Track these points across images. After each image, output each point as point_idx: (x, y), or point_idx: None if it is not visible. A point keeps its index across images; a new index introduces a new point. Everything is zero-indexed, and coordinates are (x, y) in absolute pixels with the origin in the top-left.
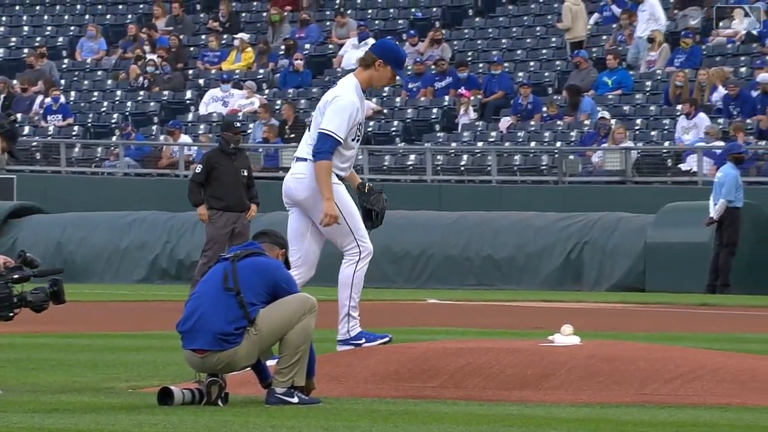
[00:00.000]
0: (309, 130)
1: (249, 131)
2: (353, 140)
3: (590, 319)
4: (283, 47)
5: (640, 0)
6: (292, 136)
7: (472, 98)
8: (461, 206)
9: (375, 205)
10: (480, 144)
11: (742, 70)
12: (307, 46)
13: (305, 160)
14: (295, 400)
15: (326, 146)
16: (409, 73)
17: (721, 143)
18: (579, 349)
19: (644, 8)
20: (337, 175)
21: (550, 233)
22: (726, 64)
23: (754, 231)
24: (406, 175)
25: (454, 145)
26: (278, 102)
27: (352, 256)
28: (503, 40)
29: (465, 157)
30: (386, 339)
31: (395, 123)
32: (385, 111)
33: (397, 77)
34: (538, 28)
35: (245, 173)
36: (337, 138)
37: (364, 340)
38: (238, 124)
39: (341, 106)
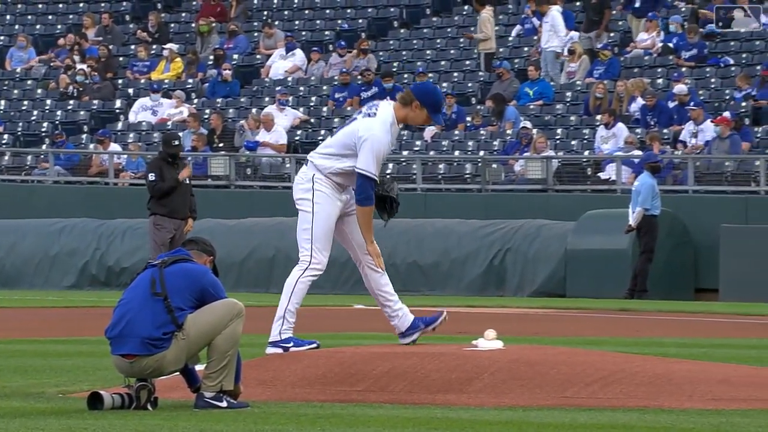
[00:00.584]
0: (331, 136)
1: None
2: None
3: (512, 324)
4: (211, 57)
5: (544, 11)
6: (221, 145)
7: None
8: None
9: (391, 191)
10: (405, 153)
11: (659, 81)
12: (236, 56)
13: (307, 162)
14: (224, 404)
15: (368, 191)
16: (336, 83)
17: (639, 152)
18: (502, 353)
19: (547, 20)
20: (337, 183)
21: (474, 240)
22: (643, 76)
23: (671, 238)
24: None
25: None
26: (207, 111)
27: (302, 263)
28: (427, 51)
29: (390, 165)
30: (314, 345)
31: (322, 132)
32: (312, 120)
33: (435, 122)
34: (461, 40)
35: (188, 182)
36: (375, 178)
37: (292, 344)
38: (177, 142)
39: (377, 149)
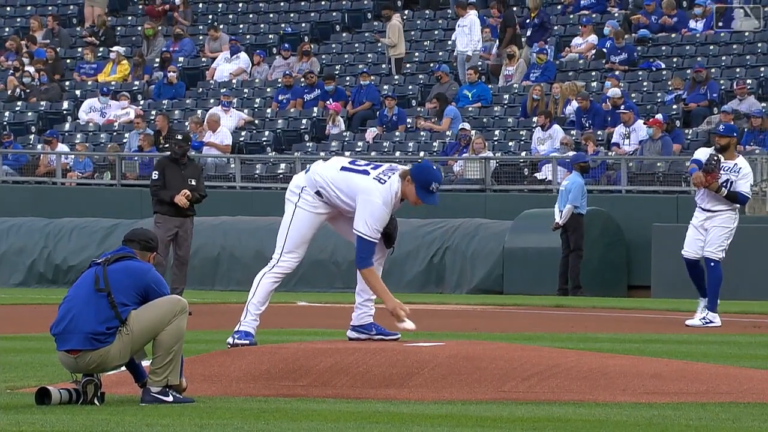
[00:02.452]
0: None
1: (125, 141)
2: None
3: (452, 321)
4: (157, 60)
5: (462, 14)
6: (166, 145)
7: (339, 111)
8: None
9: (394, 230)
10: (347, 153)
11: (593, 84)
12: (181, 59)
13: (308, 169)
14: (170, 398)
15: (367, 253)
16: (279, 85)
17: (573, 153)
18: (441, 348)
19: (464, 23)
20: (324, 202)
21: (414, 239)
22: (578, 79)
23: (604, 236)
24: (277, 183)
25: (322, 154)
26: (153, 113)
27: (270, 262)
28: (369, 55)
29: None
30: (248, 342)
31: (266, 133)
32: (256, 122)
33: (422, 203)
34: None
35: (192, 182)
36: (371, 240)
37: (237, 336)
38: (180, 137)
39: (377, 216)
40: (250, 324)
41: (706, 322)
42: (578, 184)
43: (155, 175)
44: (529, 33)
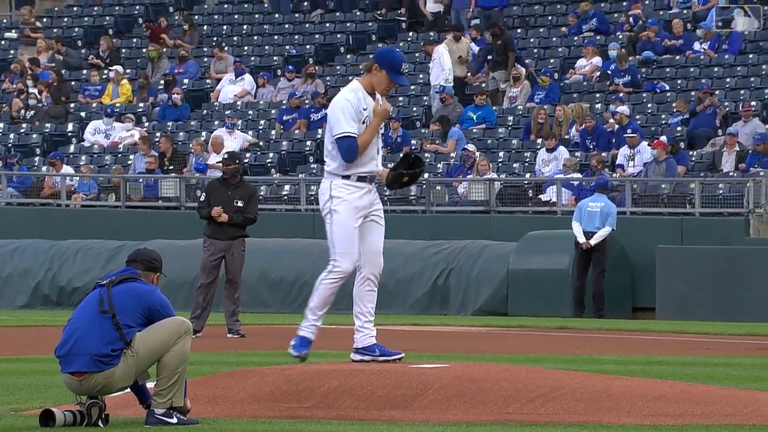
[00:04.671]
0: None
1: (129, 162)
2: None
3: (456, 342)
4: (162, 82)
5: (430, 51)
6: (170, 167)
7: None
8: None
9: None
10: None
11: (598, 106)
12: (186, 81)
13: (324, 173)
14: (174, 420)
15: (344, 147)
16: (284, 106)
17: (578, 175)
18: (446, 370)
19: (435, 57)
20: (359, 177)
21: (419, 260)
22: (582, 100)
23: (610, 258)
24: (281, 205)
25: None
26: (157, 134)
27: (327, 267)
28: None
29: None
30: (300, 354)
31: (271, 155)
32: (260, 143)
33: (396, 83)
34: (405, 65)
35: (240, 203)
36: (349, 134)
37: (295, 343)
38: (226, 156)
39: (333, 108)
40: (309, 331)
41: None
42: (614, 206)
43: (202, 196)
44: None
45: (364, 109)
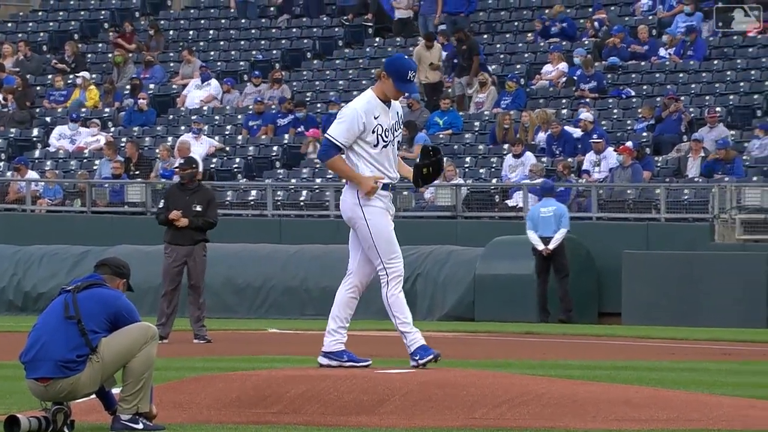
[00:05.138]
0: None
1: (95, 167)
2: (376, 146)
3: None
4: (128, 87)
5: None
6: (137, 173)
7: (318, 137)
8: (300, 240)
9: (439, 165)
10: (318, 180)
11: (564, 112)
12: (152, 86)
13: (345, 183)
14: (140, 426)
15: (322, 150)
16: (250, 111)
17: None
18: (413, 375)
19: None
20: (383, 185)
21: None
22: (548, 106)
23: (575, 263)
24: (248, 210)
25: (294, 181)
26: (123, 140)
27: (382, 280)
28: (340, 82)
29: (304, 192)
30: (431, 357)
31: (237, 160)
32: (227, 148)
33: (403, 92)
34: (372, 71)
35: (198, 208)
36: (333, 141)
37: (418, 357)
38: (183, 161)
39: (341, 115)
40: (419, 340)
41: None
42: (565, 207)
43: (161, 202)
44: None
45: (375, 117)
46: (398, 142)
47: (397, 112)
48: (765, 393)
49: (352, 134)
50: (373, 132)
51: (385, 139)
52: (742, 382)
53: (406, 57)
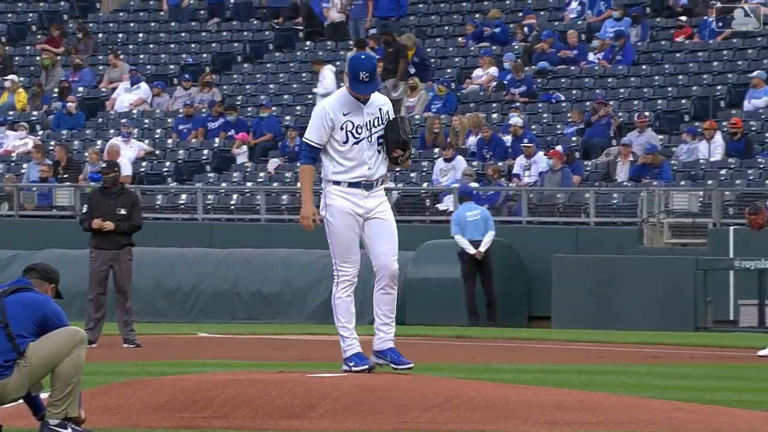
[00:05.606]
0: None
1: (23, 171)
2: (346, 143)
3: None
4: (56, 90)
5: (317, 70)
6: (65, 176)
7: (247, 141)
8: (231, 243)
9: (403, 133)
10: (249, 184)
11: (494, 116)
12: (81, 89)
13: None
14: (69, 431)
15: (303, 153)
16: (180, 115)
17: (475, 184)
18: (344, 379)
19: (320, 78)
20: (350, 183)
21: (315, 269)
22: (479, 110)
23: (505, 267)
24: (178, 214)
25: (224, 185)
26: (52, 143)
27: (334, 281)
28: (271, 85)
29: (235, 196)
30: (366, 367)
31: (167, 163)
32: (157, 152)
33: (357, 92)
34: (303, 74)
35: (123, 212)
36: (307, 142)
37: (353, 364)
38: (104, 165)
39: (313, 114)
40: (352, 348)
41: None
42: (488, 210)
43: (84, 207)
44: (413, 71)
45: (345, 114)
46: (377, 136)
47: (380, 108)
48: (692, 396)
49: (323, 132)
50: (342, 129)
51: (357, 135)
52: (670, 385)
53: (363, 56)
